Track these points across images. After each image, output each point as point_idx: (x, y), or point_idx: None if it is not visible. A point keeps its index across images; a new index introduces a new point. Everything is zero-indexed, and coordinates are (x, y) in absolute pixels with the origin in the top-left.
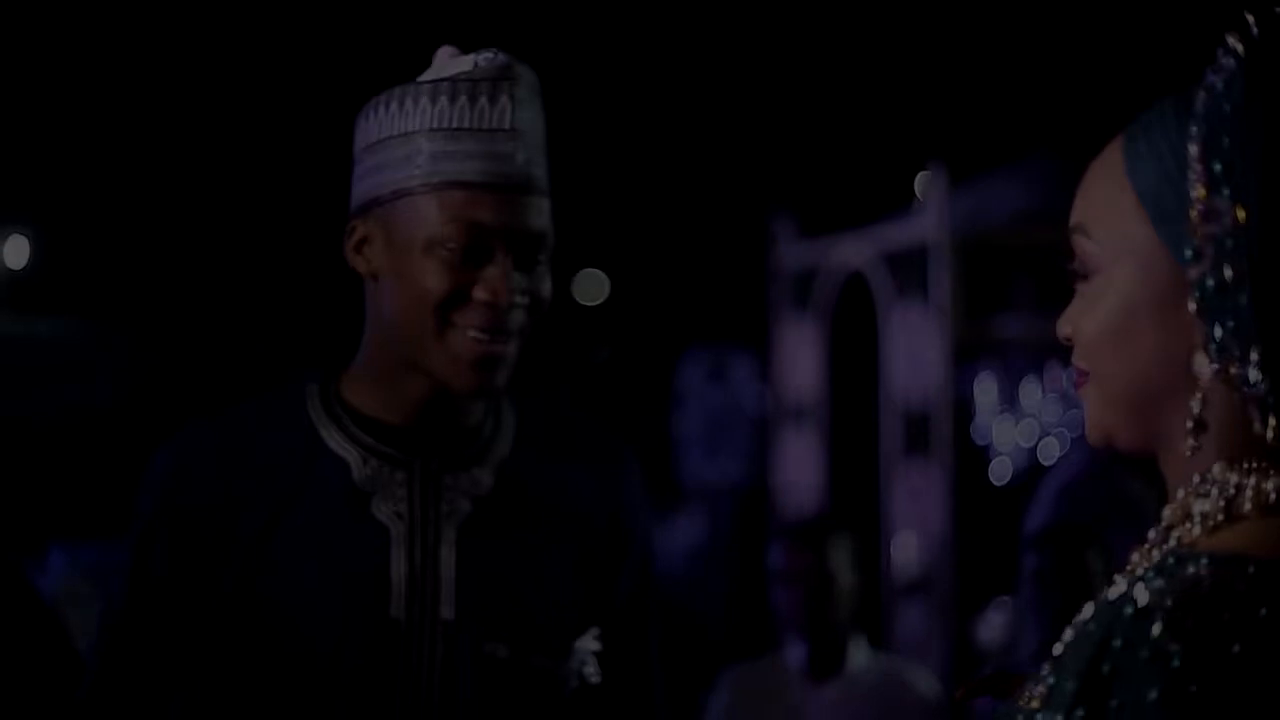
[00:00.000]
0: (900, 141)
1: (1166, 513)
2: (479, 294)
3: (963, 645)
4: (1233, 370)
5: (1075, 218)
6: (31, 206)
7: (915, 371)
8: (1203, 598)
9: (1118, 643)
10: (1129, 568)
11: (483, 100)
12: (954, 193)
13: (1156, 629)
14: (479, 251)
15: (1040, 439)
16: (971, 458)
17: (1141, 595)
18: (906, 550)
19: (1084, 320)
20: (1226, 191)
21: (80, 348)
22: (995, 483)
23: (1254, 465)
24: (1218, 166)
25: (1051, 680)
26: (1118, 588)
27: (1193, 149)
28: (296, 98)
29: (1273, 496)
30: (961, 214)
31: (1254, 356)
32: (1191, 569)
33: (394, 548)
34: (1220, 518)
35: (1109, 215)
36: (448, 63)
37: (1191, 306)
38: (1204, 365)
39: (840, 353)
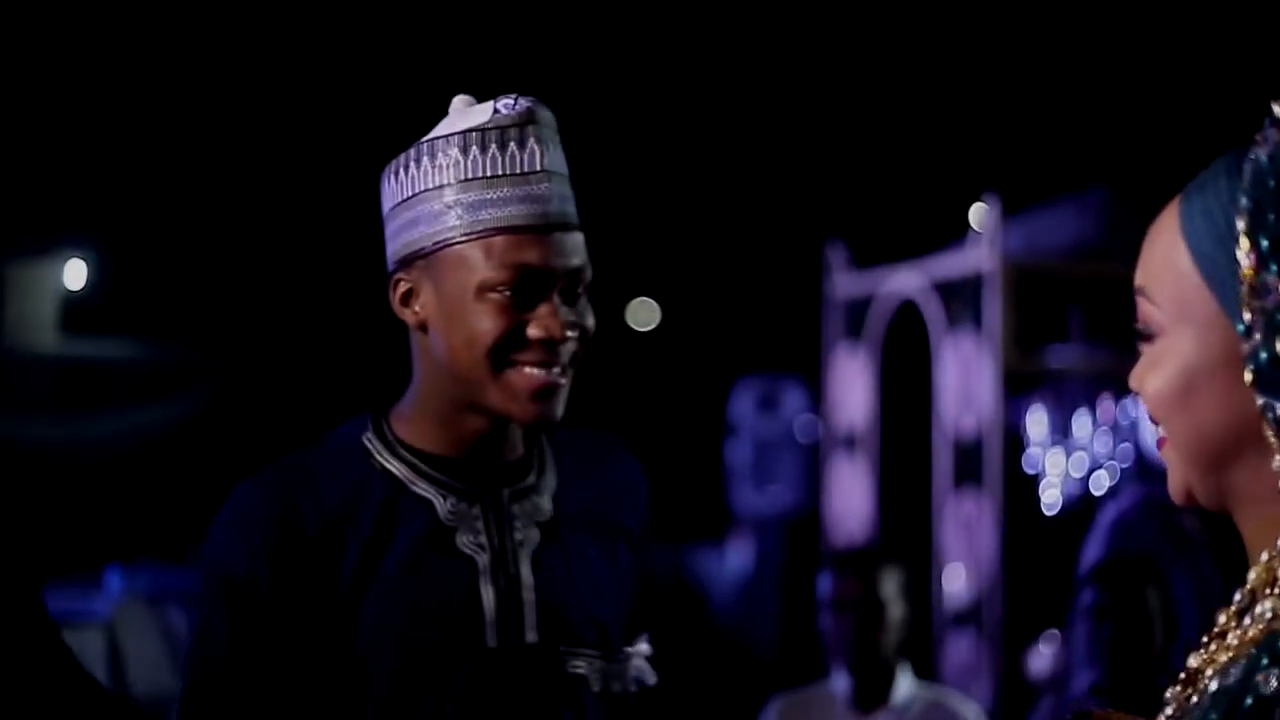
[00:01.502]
0: (954, 173)
1: (1251, 576)
2: (534, 332)
3: (1012, 677)
4: None
5: (1138, 279)
6: (89, 228)
7: (967, 402)
8: None
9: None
10: (1216, 630)
11: (512, 146)
12: (1008, 224)
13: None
14: (528, 292)
15: (1091, 471)
16: (1022, 489)
17: (1262, 685)
18: (956, 581)
19: (1149, 379)
20: (1274, 267)
21: (140, 370)
22: (1046, 514)
23: None
24: (1264, 242)
25: None
26: (1232, 674)
27: (1240, 223)
28: (342, 120)
29: None
30: (1015, 245)
31: None
32: None
33: (481, 579)
34: None
35: (1168, 279)
36: (465, 111)
37: (1247, 378)
38: (1269, 432)
39: (892, 382)
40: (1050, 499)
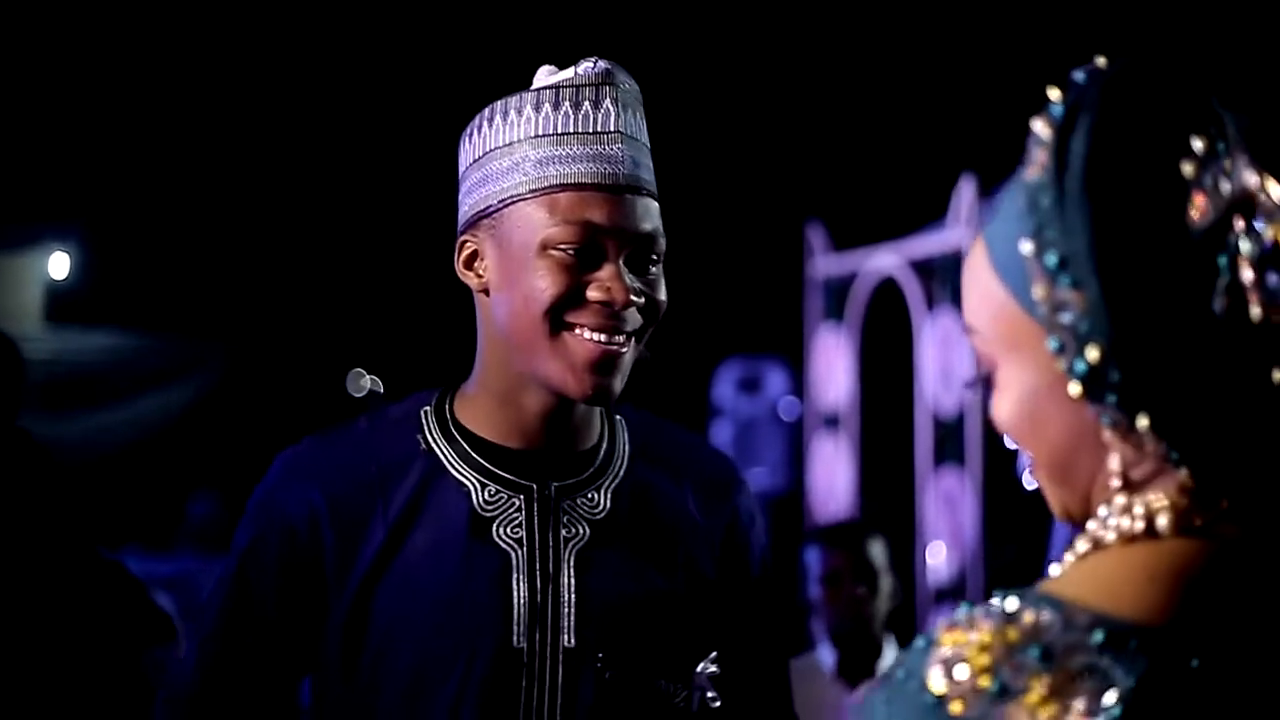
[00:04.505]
0: (933, 153)
1: (1080, 545)
2: (593, 294)
3: None
4: (1131, 438)
5: (965, 318)
6: (73, 220)
7: (947, 380)
8: (975, 640)
9: (901, 673)
10: None
11: (586, 105)
12: (986, 203)
13: (927, 661)
14: (592, 252)
15: None
16: (1003, 465)
17: (936, 631)
18: (939, 557)
19: (999, 410)
20: (1065, 280)
21: (125, 361)
22: (1027, 490)
23: (1144, 499)
24: (1052, 259)
25: None
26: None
27: (1026, 247)
28: (329, 115)
29: (1139, 526)
30: None
31: (1143, 423)
32: (990, 609)
33: (515, 573)
34: (1087, 547)
35: (989, 312)
36: (548, 78)
37: (1073, 392)
38: (1109, 437)
39: (873, 362)
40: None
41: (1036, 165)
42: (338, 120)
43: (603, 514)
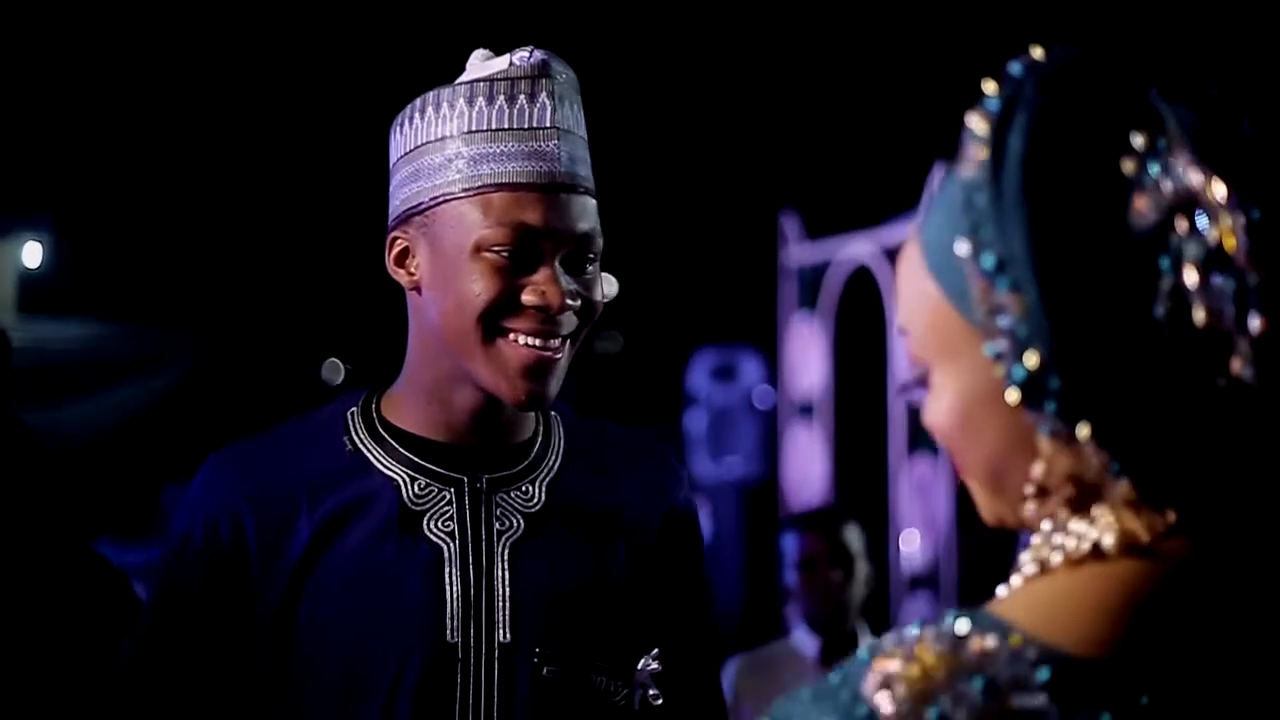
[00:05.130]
0: (907, 141)
1: (1025, 557)
2: (528, 298)
3: None
4: (1071, 448)
5: (899, 319)
6: (45, 208)
7: None
8: (920, 661)
9: (837, 679)
10: None
11: (521, 99)
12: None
13: (867, 674)
14: (527, 254)
15: None
16: None
17: (881, 644)
18: (912, 544)
19: (930, 415)
20: (1003, 283)
21: (98, 351)
22: None
23: (1087, 517)
24: (989, 261)
25: None
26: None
27: (962, 247)
28: (299, 102)
29: (1085, 547)
30: None
31: (1083, 433)
32: (941, 629)
33: (448, 567)
34: (1034, 570)
35: (923, 315)
36: (482, 65)
37: (1012, 399)
38: (1044, 445)
39: (847, 350)
40: None
41: (972, 162)
42: (309, 109)
43: (537, 507)
